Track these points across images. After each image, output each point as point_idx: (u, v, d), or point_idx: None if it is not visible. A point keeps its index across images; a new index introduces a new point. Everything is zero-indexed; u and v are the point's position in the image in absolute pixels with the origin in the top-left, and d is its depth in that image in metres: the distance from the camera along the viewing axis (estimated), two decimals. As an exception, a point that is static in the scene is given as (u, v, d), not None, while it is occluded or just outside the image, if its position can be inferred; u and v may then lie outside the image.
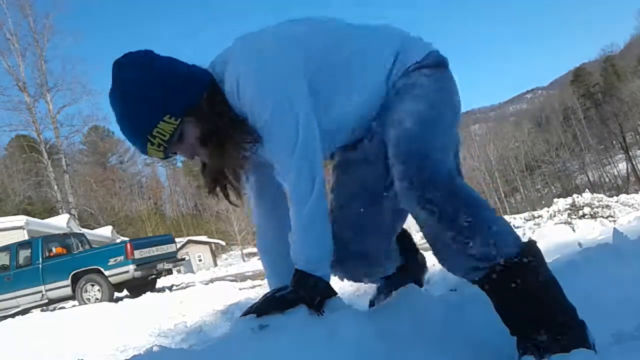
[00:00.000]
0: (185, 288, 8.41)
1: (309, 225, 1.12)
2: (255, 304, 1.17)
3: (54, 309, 8.71)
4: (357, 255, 1.37)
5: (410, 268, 1.61)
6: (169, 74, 1.12)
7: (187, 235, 37.95)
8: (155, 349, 1.08)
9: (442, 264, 1.12)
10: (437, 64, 1.24)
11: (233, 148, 1.16)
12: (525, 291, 1.04)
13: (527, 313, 1.04)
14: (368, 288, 1.78)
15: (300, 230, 1.13)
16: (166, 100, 1.10)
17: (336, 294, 1.21)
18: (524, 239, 1.11)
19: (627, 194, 14.65)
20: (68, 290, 9.06)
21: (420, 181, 1.04)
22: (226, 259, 38.36)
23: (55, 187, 26.37)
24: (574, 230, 5.66)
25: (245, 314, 1.15)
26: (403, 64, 1.22)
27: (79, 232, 13.94)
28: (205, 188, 1.30)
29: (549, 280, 1.07)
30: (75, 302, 9.07)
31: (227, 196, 1.29)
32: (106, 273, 8.86)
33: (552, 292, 1.06)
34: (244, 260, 29.02)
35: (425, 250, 1.52)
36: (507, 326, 1.08)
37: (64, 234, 11.80)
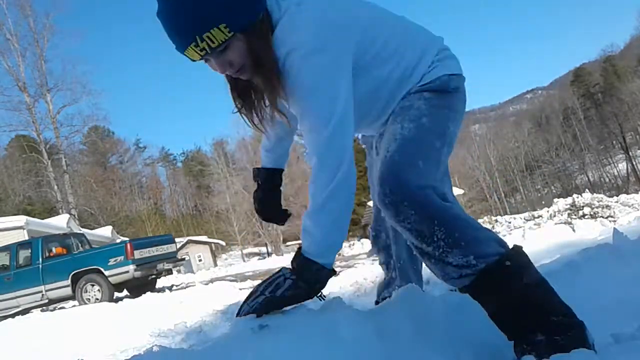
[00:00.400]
0: (185, 288, 8.41)
1: (326, 207, 1.09)
2: (253, 302, 1.14)
3: (54, 309, 8.71)
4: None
5: None
6: None
7: (187, 235, 37.94)
8: (155, 349, 1.09)
9: (432, 272, 1.15)
10: (442, 89, 1.22)
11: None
12: (513, 295, 1.04)
13: (520, 316, 1.04)
14: (368, 288, 1.79)
15: (316, 211, 1.10)
16: (227, 9, 1.05)
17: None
18: (510, 244, 1.12)
19: (627, 194, 14.68)
20: (68, 290, 9.05)
21: (394, 202, 1.08)
22: (226, 259, 38.36)
23: (55, 187, 26.39)
24: (574, 230, 5.67)
25: (244, 313, 1.13)
26: (411, 85, 1.24)
27: (79, 232, 13.94)
28: (235, 107, 1.27)
29: (537, 281, 1.07)
30: (75, 302, 9.07)
31: (252, 121, 1.28)
32: (106, 273, 8.86)
33: (541, 293, 1.06)
34: (244, 260, 29.04)
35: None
36: (504, 332, 1.08)
37: (64, 234, 11.80)
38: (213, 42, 1.06)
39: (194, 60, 1.12)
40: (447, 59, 1.27)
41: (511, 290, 1.05)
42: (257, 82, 1.18)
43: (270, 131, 1.44)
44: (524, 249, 1.11)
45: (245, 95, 1.25)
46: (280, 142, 1.56)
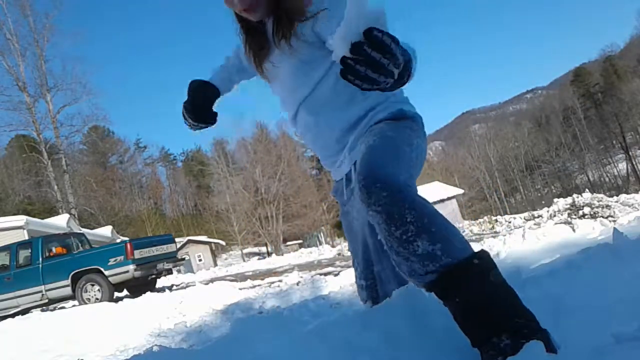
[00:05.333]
0: (185, 288, 8.41)
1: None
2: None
3: (54, 309, 8.72)
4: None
5: None
6: None
7: (187, 235, 37.96)
8: (155, 349, 1.09)
9: (398, 268, 1.12)
10: (400, 117, 1.33)
11: None
12: (480, 294, 1.03)
13: (486, 317, 1.02)
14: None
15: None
16: None
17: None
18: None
19: (627, 194, 14.67)
20: (68, 290, 9.05)
21: (367, 185, 1.09)
22: (226, 259, 38.40)
23: (55, 187, 26.41)
24: (574, 230, 5.66)
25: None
26: (369, 123, 1.33)
27: (79, 232, 13.92)
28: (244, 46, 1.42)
29: (503, 283, 1.06)
30: (75, 302, 9.08)
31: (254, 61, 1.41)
32: (106, 273, 8.86)
33: (507, 294, 1.05)
34: (244, 260, 29.00)
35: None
36: (468, 337, 1.05)
37: (64, 234, 11.79)
38: None
39: None
40: (390, 103, 1.41)
41: (478, 289, 1.03)
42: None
43: (240, 62, 1.54)
44: (490, 254, 1.10)
45: (255, 35, 1.38)
46: (239, 73, 1.60)
